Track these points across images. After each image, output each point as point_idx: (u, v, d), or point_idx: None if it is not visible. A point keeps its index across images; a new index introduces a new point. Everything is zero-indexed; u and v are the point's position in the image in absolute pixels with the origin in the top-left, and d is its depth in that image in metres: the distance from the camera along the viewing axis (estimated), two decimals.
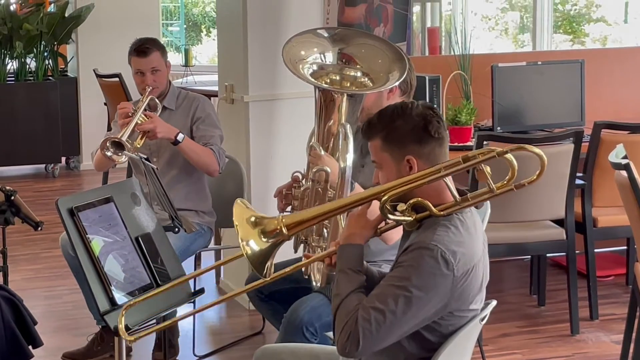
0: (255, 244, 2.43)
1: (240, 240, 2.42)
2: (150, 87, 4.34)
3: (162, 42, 4.57)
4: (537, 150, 2.37)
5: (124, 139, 4.05)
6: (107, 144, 4.07)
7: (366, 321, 2.36)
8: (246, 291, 2.81)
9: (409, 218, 2.45)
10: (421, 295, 2.35)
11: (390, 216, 2.45)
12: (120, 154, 4.07)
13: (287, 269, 2.58)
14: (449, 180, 2.45)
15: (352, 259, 2.49)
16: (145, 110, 4.36)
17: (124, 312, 2.77)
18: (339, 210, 2.52)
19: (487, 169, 2.38)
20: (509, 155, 2.36)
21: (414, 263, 2.37)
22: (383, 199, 2.42)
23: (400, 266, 2.40)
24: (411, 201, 2.44)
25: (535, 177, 2.38)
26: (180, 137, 4.22)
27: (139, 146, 4.13)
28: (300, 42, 3.22)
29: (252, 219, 2.47)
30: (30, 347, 3.64)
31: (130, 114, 4.18)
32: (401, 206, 2.45)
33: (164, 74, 4.42)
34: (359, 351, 2.38)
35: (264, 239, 2.45)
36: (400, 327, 2.38)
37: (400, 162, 2.48)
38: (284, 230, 2.45)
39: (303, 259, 3.13)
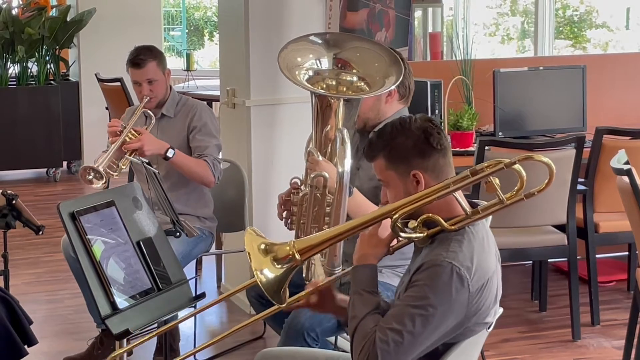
0: (269, 272, 2.42)
1: (254, 270, 2.41)
2: (148, 98, 4.33)
3: (160, 49, 4.52)
4: (545, 159, 2.36)
5: (101, 168, 4.04)
6: (88, 170, 4.08)
7: (384, 342, 2.35)
8: (263, 316, 2.82)
9: (421, 235, 2.45)
10: (438, 314, 2.35)
11: (402, 234, 2.44)
12: (99, 179, 4.07)
13: (302, 293, 2.59)
14: (458, 194, 2.45)
15: (366, 280, 2.49)
16: (145, 118, 4.35)
17: None
18: (351, 232, 2.50)
19: (496, 181, 2.37)
20: (518, 166, 2.35)
21: (429, 282, 2.36)
22: (394, 217, 2.42)
23: (415, 285, 2.39)
24: (422, 217, 2.44)
25: (544, 186, 2.37)
26: (170, 152, 4.19)
27: (123, 167, 4.13)
28: (295, 49, 3.22)
29: (263, 246, 2.45)
30: (25, 346, 3.63)
31: (118, 132, 4.17)
32: (412, 223, 2.45)
33: (162, 83, 4.39)
34: None
35: (278, 266, 2.43)
36: (418, 347, 2.38)
37: (407, 178, 2.48)
38: (297, 255, 2.44)
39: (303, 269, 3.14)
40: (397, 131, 2.50)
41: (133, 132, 4.17)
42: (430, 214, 2.43)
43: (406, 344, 2.35)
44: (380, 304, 2.49)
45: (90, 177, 4.08)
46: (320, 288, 2.60)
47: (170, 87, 4.49)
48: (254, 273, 2.40)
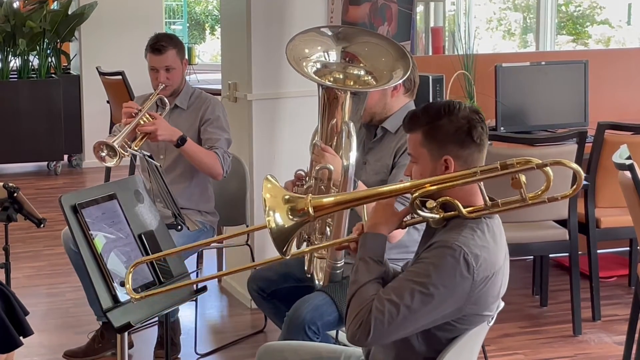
0: (280, 219, 2.40)
1: (266, 211, 2.39)
2: (163, 85, 4.33)
3: (180, 39, 4.51)
4: (574, 165, 2.37)
5: (117, 144, 4.02)
6: (102, 146, 4.05)
7: (380, 312, 2.35)
8: (268, 262, 2.77)
9: (437, 215, 2.44)
10: (438, 294, 2.34)
11: (419, 212, 2.44)
12: (113, 156, 4.05)
13: (307, 249, 2.58)
14: (482, 184, 2.45)
15: (374, 248, 2.49)
16: (156, 107, 4.35)
17: (132, 269, 2.73)
18: (368, 199, 2.50)
19: (523, 179, 2.37)
20: (547, 168, 2.35)
21: (436, 261, 2.36)
22: (415, 194, 2.42)
23: (421, 262, 2.40)
24: (441, 199, 2.43)
25: (571, 192, 2.38)
26: (182, 140, 4.19)
27: (136, 148, 4.09)
28: (304, 41, 3.21)
29: (287, 197, 2.44)
30: (21, 337, 3.63)
31: (133, 114, 4.16)
32: (430, 203, 2.44)
33: (179, 72, 4.39)
34: (368, 341, 2.37)
35: (290, 216, 2.42)
36: (413, 323, 2.38)
37: (438, 161, 2.48)
38: (311, 210, 2.43)
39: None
40: (444, 113, 2.48)
41: (148, 115, 4.17)
42: (450, 198, 2.43)
43: (401, 318, 2.35)
44: (383, 275, 2.48)
45: (104, 154, 4.05)
46: (302, 253, 2.59)
47: (185, 80, 4.49)
48: (266, 215, 2.39)
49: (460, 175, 2.41)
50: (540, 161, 2.36)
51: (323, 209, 2.45)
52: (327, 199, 2.47)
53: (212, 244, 4.68)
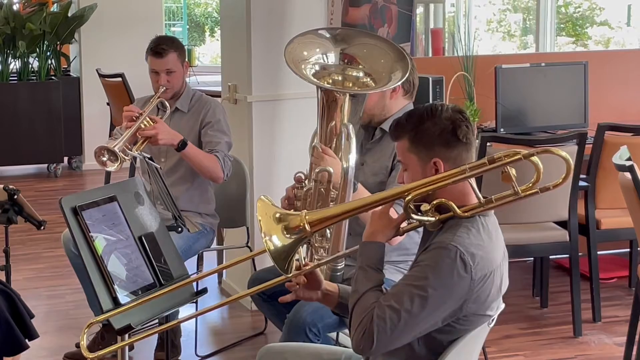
0: (278, 240, 2.40)
1: (262, 235, 2.39)
2: (164, 88, 4.32)
3: (180, 41, 4.51)
4: (563, 153, 2.36)
5: (117, 148, 4.01)
6: (103, 151, 4.04)
7: (381, 320, 2.35)
8: (252, 293, 2.77)
9: (432, 218, 2.44)
10: (437, 296, 2.34)
11: (414, 216, 2.44)
12: (114, 161, 4.04)
13: (308, 268, 2.57)
14: (473, 181, 2.45)
15: (372, 257, 2.49)
16: (157, 110, 4.35)
17: (85, 330, 2.75)
18: (363, 208, 2.50)
19: (513, 171, 2.37)
20: (535, 158, 2.35)
21: (432, 263, 2.36)
22: (407, 198, 2.42)
23: (418, 265, 2.40)
24: (435, 201, 2.44)
25: (561, 181, 2.36)
26: (183, 144, 4.19)
27: (137, 152, 4.09)
28: (302, 43, 3.21)
29: (278, 215, 2.44)
30: (26, 340, 3.63)
31: (134, 118, 4.16)
32: (425, 206, 2.44)
33: (180, 75, 4.39)
34: (373, 349, 2.37)
35: (287, 235, 2.42)
36: (415, 327, 2.38)
37: (427, 164, 2.48)
38: (307, 227, 2.43)
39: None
40: (427, 116, 2.49)
41: (148, 119, 4.17)
42: (444, 199, 2.43)
43: (403, 324, 2.35)
44: (383, 282, 2.48)
45: (105, 158, 4.04)
46: (305, 272, 2.58)
47: (186, 82, 4.48)
48: (263, 240, 2.39)
49: (450, 175, 2.42)
50: (527, 151, 2.36)
51: (319, 223, 2.45)
52: (322, 214, 2.47)
53: (212, 246, 4.67)
